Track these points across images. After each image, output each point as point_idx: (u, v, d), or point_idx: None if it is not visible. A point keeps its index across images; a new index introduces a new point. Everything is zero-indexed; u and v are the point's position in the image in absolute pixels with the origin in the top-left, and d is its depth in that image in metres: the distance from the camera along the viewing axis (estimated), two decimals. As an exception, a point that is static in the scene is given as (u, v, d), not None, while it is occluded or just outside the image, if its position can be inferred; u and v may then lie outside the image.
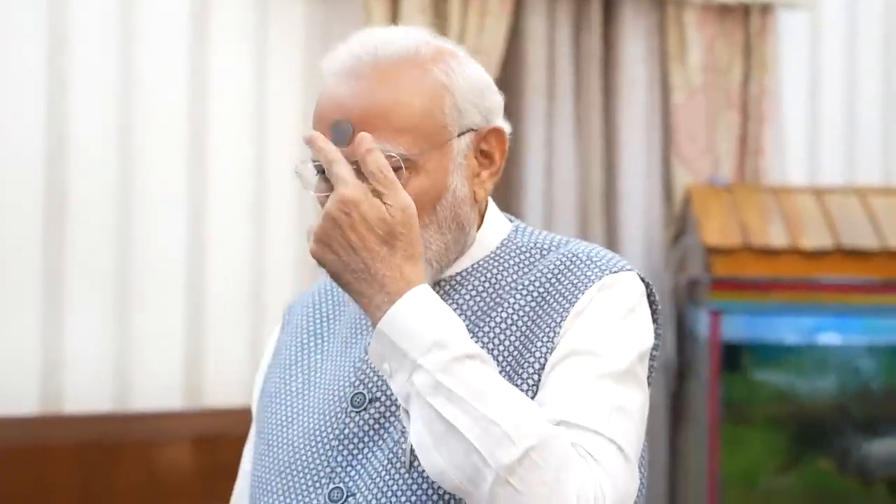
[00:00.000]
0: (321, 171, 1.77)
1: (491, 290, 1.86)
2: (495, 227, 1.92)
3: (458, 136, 1.81)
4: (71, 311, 3.93)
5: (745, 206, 4.42)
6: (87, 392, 3.94)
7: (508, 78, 4.51)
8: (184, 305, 4.08)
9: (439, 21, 4.32)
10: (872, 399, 4.22)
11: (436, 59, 1.81)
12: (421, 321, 1.64)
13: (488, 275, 1.87)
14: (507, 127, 1.86)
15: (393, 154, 1.73)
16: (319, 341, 1.98)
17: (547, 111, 4.56)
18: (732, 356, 4.20)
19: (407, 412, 1.65)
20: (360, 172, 1.71)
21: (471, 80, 1.84)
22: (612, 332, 1.80)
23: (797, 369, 4.23)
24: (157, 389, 3.98)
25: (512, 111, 4.52)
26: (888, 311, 4.16)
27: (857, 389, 4.22)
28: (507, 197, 4.56)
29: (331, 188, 1.73)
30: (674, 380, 4.56)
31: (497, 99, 1.87)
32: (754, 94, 4.82)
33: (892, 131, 5.26)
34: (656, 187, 4.75)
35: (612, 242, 4.65)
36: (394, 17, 4.24)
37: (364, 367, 1.87)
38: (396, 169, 1.73)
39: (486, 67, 4.11)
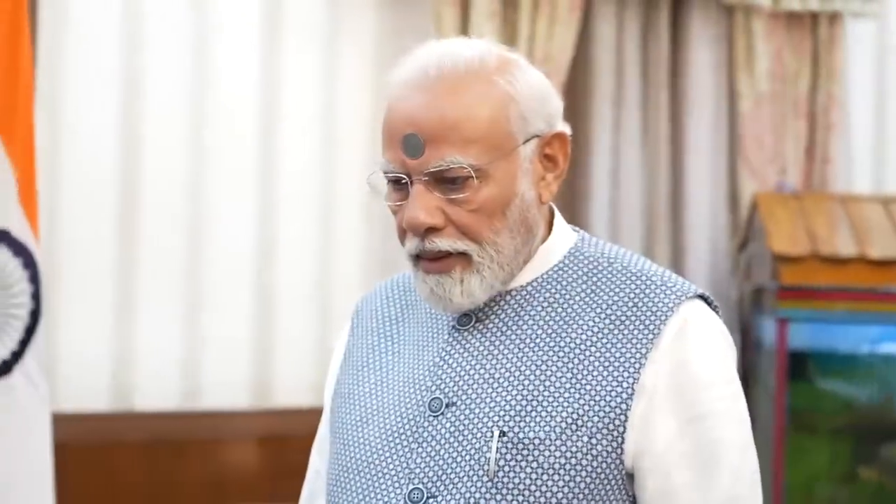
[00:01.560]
0: (393, 181, 1.81)
1: (564, 302, 1.88)
2: (562, 238, 1.93)
3: (524, 142, 1.83)
4: (142, 311, 3.97)
5: (813, 214, 4.40)
6: (157, 390, 3.98)
7: (576, 84, 4.52)
8: (252, 305, 4.11)
9: (508, 28, 4.34)
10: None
11: (500, 70, 1.81)
12: None
13: (558, 286, 1.89)
14: (567, 129, 1.87)
15: (464, 165, 1.76)
16: (390, 343, 1.99)
17: (614, 118, 4.57)
18: (798, 365, 4.19)
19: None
20: (433, 183, 1.78)
21: (533, 87, 1.85)
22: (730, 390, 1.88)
23: (862, 379, 4.21)
24: (224, 388, 4.02)
25: (579, 117, 4.55)
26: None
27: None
28: (574, 203, 4.57)
29: (402, 197, 1.79)
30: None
31: (558, 104, 1.88)
32: (822, 103, 4.81)
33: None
34: (723, 195, 4.75)
35: (677, 250, 4.64)
36: (463, 24, 4.27)
37: (439, 371, 1.88)
38: (467, 178, 1.77)
39: (555, 73, 4.21)
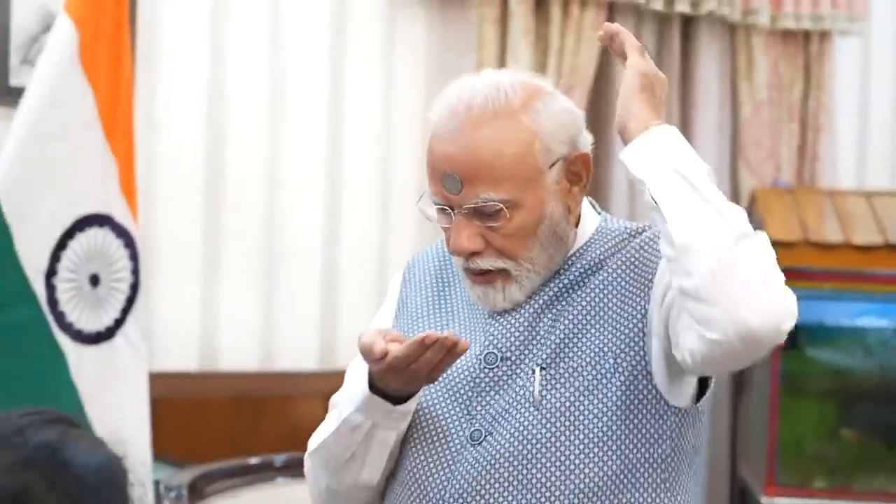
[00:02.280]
0: (439, 207, 1.86)
1: (593, 265, 1.91)
2: (589, 221, 1.95)
3: (550, 167, 1.84)
4: (225, 285, 3.99)
5: (804, 206, 4.38)
6: (238, 353, 4.00)
7: (599, 91, 4.49)
8: (320, 280, 4.11)
9: (540, 43, 4.30)
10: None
11: (524, 106, 1.84)
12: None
13: (588, 256, 1.91)
14: (589, 139, 1.92)
15: (496, 200, 1.79)
16: (444, 303, 2.00)
17: (632, 121, 4.52)
18: (790, 336, 4.10)
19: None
20: (471, 215, 1.82)
21: (555, 117, 1.85)
22: None
23: (846, 349, 4.18)
24: (295, 352, 4.03)
25: (601, 121, 4.50)
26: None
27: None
28: (596, 195, 4.50)
29: (449, 220, 1.85)
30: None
31: (580, 125, 1.90)
32: (812, 109, 4.77)
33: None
34: (725, 189, 4.69)
35: (686, 235, 4.60)
36: (502, 40, 4.23)
37: (493, 330, 1.90)
38: (499, 211, 1.79)
39: (580, 84, 4.19)
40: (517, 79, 1.87)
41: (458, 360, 1.85)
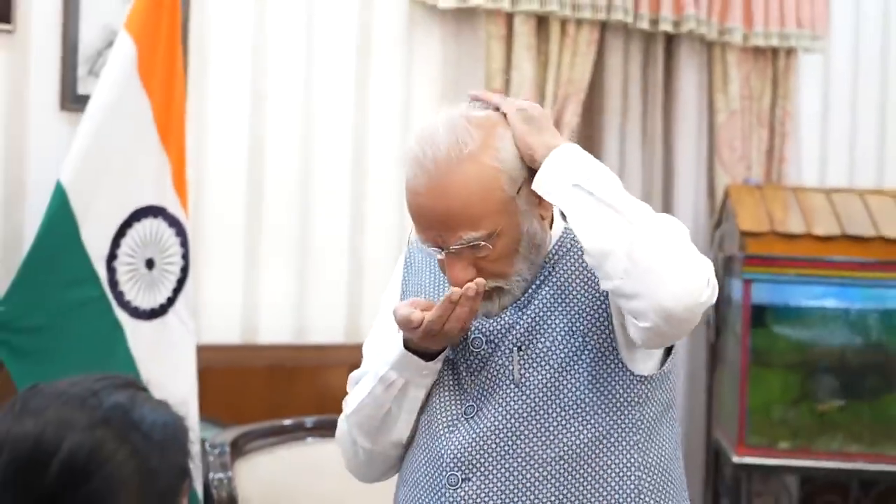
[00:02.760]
0: (432, 247, 1.82)
1: (560, 263, 1.89)
2: (558, 226, 1.91)
3: (518, 191, 1.81)
4: (264, 268, 3.99)
5: (771, 201, 4.38)
6: (275, 328, 3.99)
7: (592, 100, 4.50)
8: (346, 264, 4.11)
9: (541, 57, 4.31)
10: (865, 350, 4.18)
11: (484, 146, 1.79)
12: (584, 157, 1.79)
13: (557, 255, 1.89)
14: None
15: (477, 238, 1.77)
16: (438, 285, 1.96)
17: (620, 127, 4.54)
18: (759, 315, 4.17)
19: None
20: (462, 252, 1.79)
21: (511, 147, 1.80)
22: None
23: (808, 326, 4.19)
24: (325, 327, 4.03)
25: (594, 127, 4.53)
26: (880, 283, 4.13)
27: (853, 343, 4.19)
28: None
29: (436, 253, 1.82)
30: (713, 333, 4.54)
31: None
32: (779, 116, 4.78)
33: (885, 146, 5.18)
34: (703, 186, 4.73)
35: (667, 227, 4.62)
36: (507, 55, 4.24)
37: (480, 317, 1.87)
38: (482, 246, 1.78)
39: (576, 93, 4.24)
40: (472, 118, 1.81)
41: (454, 345, 1.88)
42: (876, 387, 4.19)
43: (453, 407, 1.87)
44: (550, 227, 1.90)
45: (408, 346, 1.85)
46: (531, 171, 1.80)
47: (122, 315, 3.24)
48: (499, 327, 1.87)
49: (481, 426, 1.83)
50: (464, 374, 1.88)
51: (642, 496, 1.83)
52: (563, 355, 1.82)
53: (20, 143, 3.56)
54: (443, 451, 1.84)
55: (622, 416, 1.83)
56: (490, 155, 1.78)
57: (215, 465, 3.30)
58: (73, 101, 3.58)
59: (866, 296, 4.16)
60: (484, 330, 1.87)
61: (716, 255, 4.59)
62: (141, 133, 3.23)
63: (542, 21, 4.30)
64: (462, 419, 1.85)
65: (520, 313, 1.86)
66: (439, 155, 1.76)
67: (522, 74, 4.22)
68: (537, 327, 1.84)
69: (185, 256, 3.36)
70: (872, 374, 4.18)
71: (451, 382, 1.89)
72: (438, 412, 1.88)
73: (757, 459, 4.13)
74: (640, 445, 1.84)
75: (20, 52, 3.55)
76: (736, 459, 4.13)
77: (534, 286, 1.87)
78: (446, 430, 1.85)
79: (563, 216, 1.91)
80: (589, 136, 4.53)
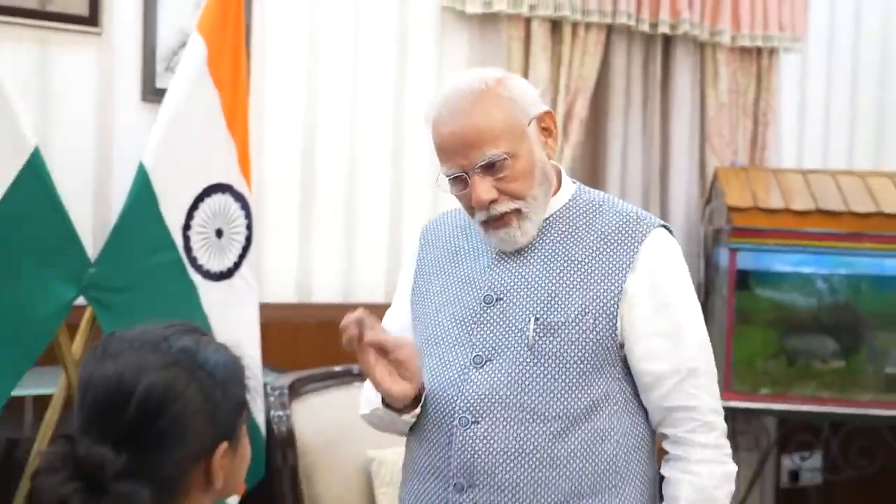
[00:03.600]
0: (454, 179, 1.84)
1: (569, 230, 1.89)
2: (566, 188, 1.94)
3: (529, 124, 1.84)
4: (316, 237, 3.98)
5: (754, 181, 4.36)
6: (325, 289, 3.99)
7: (599, 95, 4.47)
8: (387, 236, 4.11)
9: (555, 58, 4.28)
10: (836, 310, 4.17)
11: (499, 85, 1.83)
12: None
13: (565, 220, 1.90)
14: (549, 107, 1.93)
15: (500, 154, 1.79)
16: (452, 257, 1.98)
17: (624, 117, 4.52)
18: (743, 280, 4.16)
19: None
20: (483, 172, 1.80)
21: (522, 89, 1.86)
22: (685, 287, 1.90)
23: (785, 289, 4.18)
24: (368, 288, 4.03)
25: (600, 118, 4.51)
26: (849, 252, 4.11)
27: (825, 303, 4.17)
28: (595, 173, 4.53)
29: (462, 188, 1.83)
30: (703, 295, 4.52)
31: (535, 92, 1.90)
32: (762, 108, 4.75)
33: (855, 133, 5.15)
34: (695, 168, 4.70)
35: (664, 204, 4.60)
36: (525, 55, 4.22)
37: (490, 277, 1.89)
38: (504, 161, 1.80)
39: (584, 89, 4.25)
40: (487, 71, 1.87)
41: (465, 300, 1.90)
42: (844, 341, 4.18)
43: (462, 357, 1.85)
44: (559, 189, 1.92)
45: (385, 401, 1.87)
46: (539, 114, 1.86)
47: (195, 276, 3.24)
48: (509, 286, 1.86)
49: (493, 378, 1.81)
50: (472, 326, 1.86)
51: (619, 455, 1.83)
52: (574, 330, 1.81)
53: (108, 130, 3.57)
54: (455, 397, 1.83)
55: (615, 387, 1.83)
56: (504, 90, 1.82)
57: (275, 404, 3.34)
58: (152, 93, 3.57)
59: (837, 263, 4.14)
60: (496, 288, 1.87)
61: (706, 228, 4.58)
62: (211, 121, 3.23)
63: (555, 25, 4.27)
64: (472, 368, 1.83)
65: (533, 274, 1.85)
66: (464, 91, 1.82)
67: (538, 72, 4.20)
68: (554, 302, 1.83)
69: (249, 227, 3.37)
70: (842, 330, 4.17)
71: (458, 334, 1.87)
72: (448, 363, 1.87)
73: (740, 403, 4.13)
74: (626, 412, 1.85)
75: (107, 52, 3.55)
76: (722, 403, 4.10)
77: (540, 247, 1.87)
78: (458, 378, 1.84)
79: (573, 182, 1.96)
80: (595, 126, 4.52)
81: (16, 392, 2.94)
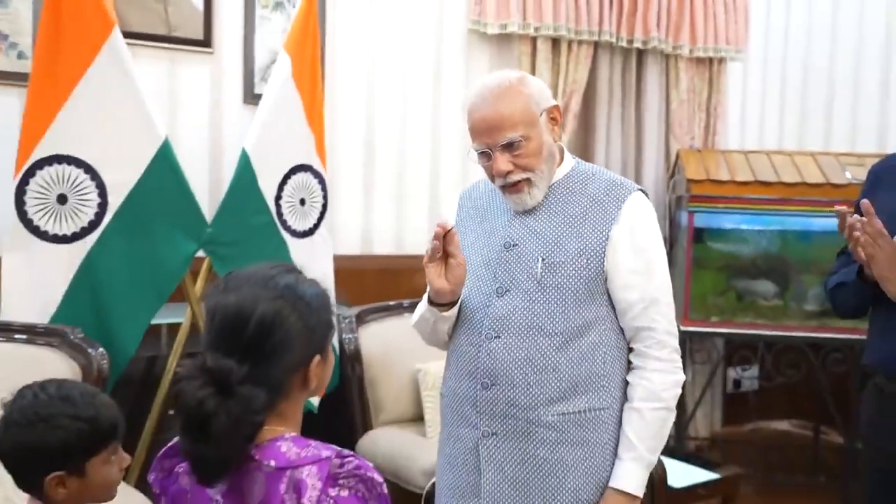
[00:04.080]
0: (482, 154, 1.82)
1: (569, 194, 1.87)
2: (567, 162, 1.91)
3: (540, 115, 1.82)
4: (376, 203, 3.98)
5: (707, 160, 4.31)
6: (383, 242, 3.98)
7: (588, 95, 4.41)
8: (428, 203, 4.08)
9: (554, 67, 4.23)
10: (769, 258, 4.13)
11: (520, 83, 1.81)
12: None
13: (566, 187, 1.88)
14: (557, 102, 1.89)
15: (517, 136, 1.78)
16: (481, 217, 1.94)
17: (607, 112, 4.47)
18: (699, 235, 4.13)
19: None
20: (503, 150, 1.78)
21: (538, 86, 1.83)
22: (656, 238, 1.87)
23: (731, 242, 4.15)
24: (416, 240, 3.99)
25: (589, 114, 4.46)
26: (780, 213, 4.07)
27: (761, 252, 4.14)
28: (586, 154, 4.49)
29: (487, 160, 1.81)
30: (668, 246, 4.48)
31: (548, 91, 1.86)
32: (713, 103, 4.68)
33: (784, 120, 5.07)
34: (662, 150, 4.64)
35: (638, 178, 4.55)
36: (532, 63, 4.17)
37: (510, 229, 1.87)
38: (520, 142, 1.78)
39: (577, 91, 4.20)
40: (509, 72, 1.86)
41: (490, 247, 1.87)
42: (776, 281, 4.15)
43: (487, 288, 1.85)
44: (561, 161, 1.90)
45: (431, 300, 1.86)
46: (548, 107, 1.82)
47: (285, 235, 3.25)
48: (523, 235, 1.84)
49: (511, 304, 1.81)
50: (496, 265, 1.85)
51: (606, 362, 1.82)
52: (572, 267, 1.80)
53: (219, 125, 3.58)
54: (482, 318, 1.83)
55: (603, 311, 1.82)
56: (523, 86, 1.81)
57: (346, 329, 3.37)
58: (251, 98, 3.57)
59: (771, 221, 4.11)
60: (513, 237, 1.86)
61: (670, 196, 4.53)
62: (294, 118, 3.22)
63: (555, 42, 4.22)
64: (494, 296, 1.83)
65: (540, 225, 1.85)
66: (492, 86, 1.80)
67: (542, 78, 4.15)
68: (557, 247, 1.82)
69: (325, 197, 3.37)
70: (774, 273, 4.14)
71: (484, 272, 1.86)
72: (477, 292, 1.86)
73: (696, 328, 4.12)
74: (611, 330, 1.83)
75: (217, 67, 3.56)
76: (682, 328, 4.08)
77: (546, 207, 1.86)
78: (484, 304, 1.84)
79: (573, 158, 1.93)
80: (586, 118, 4.47)
81: (154, 321, 2.98)
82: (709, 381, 4.46)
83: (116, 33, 2.78)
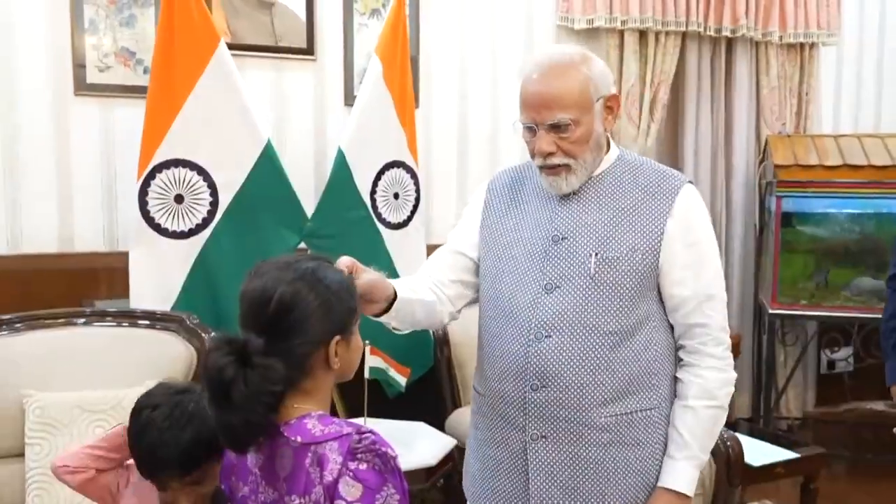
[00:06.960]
0: (527, 128, 1.68)
1: (617, 184, 1.73)
2: (613, 151, 1.75)
3: (597, 101, 1.67)
4: (468, 194, 3.89)
5: (797, 145, 4.09)
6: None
7: (677, 85, 4.26)
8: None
9: (642, 59, 4.10)
10: (860, 241, 3.92)
11: (583, 62, 1.66)
12: None
13: (614, 177, 1.74)
14: (616, 91, 1.75)
15: (566, 118, 1.64)
16: (518, 203, 1.79)
17: (696, 101, 4.31)
18: (787, 219, 3.96)
19: None
20: (549, 129, 1.65)
21: (601, 70, 1.67)
22: (708, 231, 1.74)
23: (819, 226, 3.95)
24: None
25: (679, 102, 4.31)
26: (870, 196, 3.86)
27: (851, 237, 3.93)
28: (675, 144, 4.36)
29: (532, 136, 1.66)
30: (758, 231, 4.31)
31: (612, 78, 1.71)
32: (805, 89, 4.44)
33: (882, 104, 4.76)
34: (752, 136, 4.44)
35: (728, 164, 4.38)
36: (620, 54, 4.05)
37: (556, 219, 1.73)
38: (568, 125, 1.64)
39: (665, 81, 4.06)
40: (576, 48, 1.70)
41: (535, 239, 1.71)
42: (866, 265, 3.93)
43: (534, 284, 1.70)
44: (608, 150, 1.76)
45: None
46: (608, 94, 1.68)
47: (380, 226, 3.28)
48: (572, 227, 1.70)
49: (562, 301, 1.67)
50: (543, 259, 1.70)
51: (657, 361, 1.71)
52: (626, 263, 1.66)
53: (322, 127, 3.63)
54: (530, 316, 1.68)
55: (654, 308, 1.69)
56: (586, 68, 1.65)
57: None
58: (351, 100, 3.59)
59: (860, 205, 3.91)
60: (562, 228, 1.71)
61: (759, 181, 4.35)
62: (387, 117, 3.24)
63: (642, 34, 4.09)
64: (543, 293, 1.68)
65: (591, 217, 1.71)
66: (553, 60, 1.65)
67: (630, 69, 4.05)
68: (610, 240, 1.67)
69: (418, 191, 3.38)
70: (866, 256, 3.93)
71: (529, 266, 1.71)
72: (523, 288, 1.71)
73: (784, 311, 3.97)
74: (662, 327, 1.71)
75: (319, 73, 3.61)
76: (771, 311, 3.98)
77: (595, 195, 1.71)
78: (532, 302, 1.69)
79: (617, 147, 1.79)
80: (675, 108, 4.33)
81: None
82: (798, 361, 4.26)
83: (222, 47, 2.88)
